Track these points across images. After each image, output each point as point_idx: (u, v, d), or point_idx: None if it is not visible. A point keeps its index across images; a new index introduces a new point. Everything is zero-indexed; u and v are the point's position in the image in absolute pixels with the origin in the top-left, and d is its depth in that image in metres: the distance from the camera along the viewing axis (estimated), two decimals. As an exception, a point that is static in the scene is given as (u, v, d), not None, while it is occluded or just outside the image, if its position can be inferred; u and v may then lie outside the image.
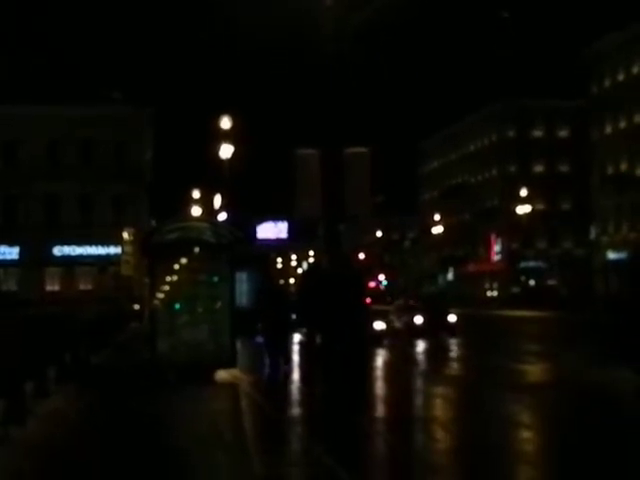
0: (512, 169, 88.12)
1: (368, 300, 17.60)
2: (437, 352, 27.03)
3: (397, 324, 34.49)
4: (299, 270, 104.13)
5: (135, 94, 67.37)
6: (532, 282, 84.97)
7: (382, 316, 32.03)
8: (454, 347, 28.81)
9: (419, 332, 32.40)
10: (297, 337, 28.06)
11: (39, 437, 11.07)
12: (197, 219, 30.61)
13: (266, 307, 17.79)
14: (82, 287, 65.41)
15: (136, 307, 45.21)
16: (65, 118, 65.57)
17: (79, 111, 65.69)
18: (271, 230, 63.48)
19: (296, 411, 14.25)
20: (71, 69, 67.38)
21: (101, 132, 66.50)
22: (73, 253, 66.87)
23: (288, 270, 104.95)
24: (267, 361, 17.78)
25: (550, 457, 10.38)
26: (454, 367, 22.82)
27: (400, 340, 30.81)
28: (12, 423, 10.94)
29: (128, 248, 56.69)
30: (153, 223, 60.34)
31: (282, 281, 71.64)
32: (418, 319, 33.42)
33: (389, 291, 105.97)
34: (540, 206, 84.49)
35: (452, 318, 33.77)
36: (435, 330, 32.37)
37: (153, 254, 18.40)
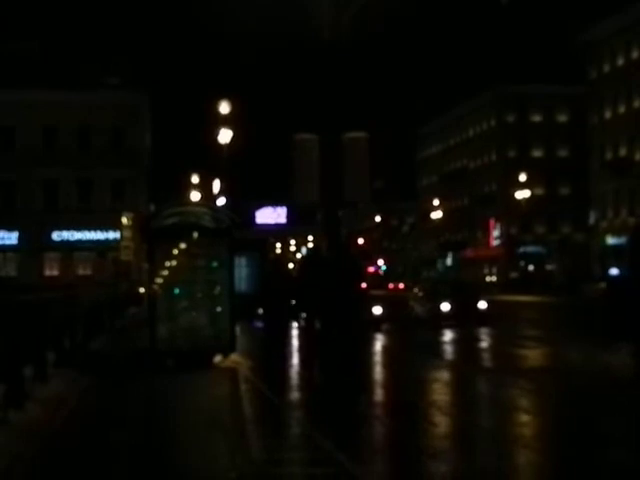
0: (511, 154, 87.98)
1: (364, 285, 17.61)
2: (442, 339, 26.62)
3: (419, 311, 32.68)
4: (298, 255, 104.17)
5: (133, 79, 67.18)
6: (531, 267, 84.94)
7: (380, 301, 31.78)
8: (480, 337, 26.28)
9: (446, 320, 29.99)
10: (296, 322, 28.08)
11: (38, 421, 11.08)
12: (196, 204, 30.55)
13: (271, 292, 17.70)
14: (81, 272, 65.34)
15: (142, 290, 44.85)
16: (63, 104, 65.38)
17: (77, 96, 65.49)
18: (270, 215, 63.43)
19: (295, 395, 14.27)
20: (69, 55, 67.13)
21: (99, 117, 66.32)
22: (72, 238, 66.80)
23: (287, 255, 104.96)
24: (267, 344, 17.77)
25: (549, 441, 10.41)
26: (456, 353, 22.82)
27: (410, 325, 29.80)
28: (11, 407, 10.94)
29: (127, 233, 56.66)
30: (152, 208, 60.25)
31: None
32: (445, 306, 30.86)
33: (388, 276, 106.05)
34: (539, 191, 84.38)
35: (482, 305, 31.16)
36: (463, 318, 29.75)
37: (152, 239, 18.38)
